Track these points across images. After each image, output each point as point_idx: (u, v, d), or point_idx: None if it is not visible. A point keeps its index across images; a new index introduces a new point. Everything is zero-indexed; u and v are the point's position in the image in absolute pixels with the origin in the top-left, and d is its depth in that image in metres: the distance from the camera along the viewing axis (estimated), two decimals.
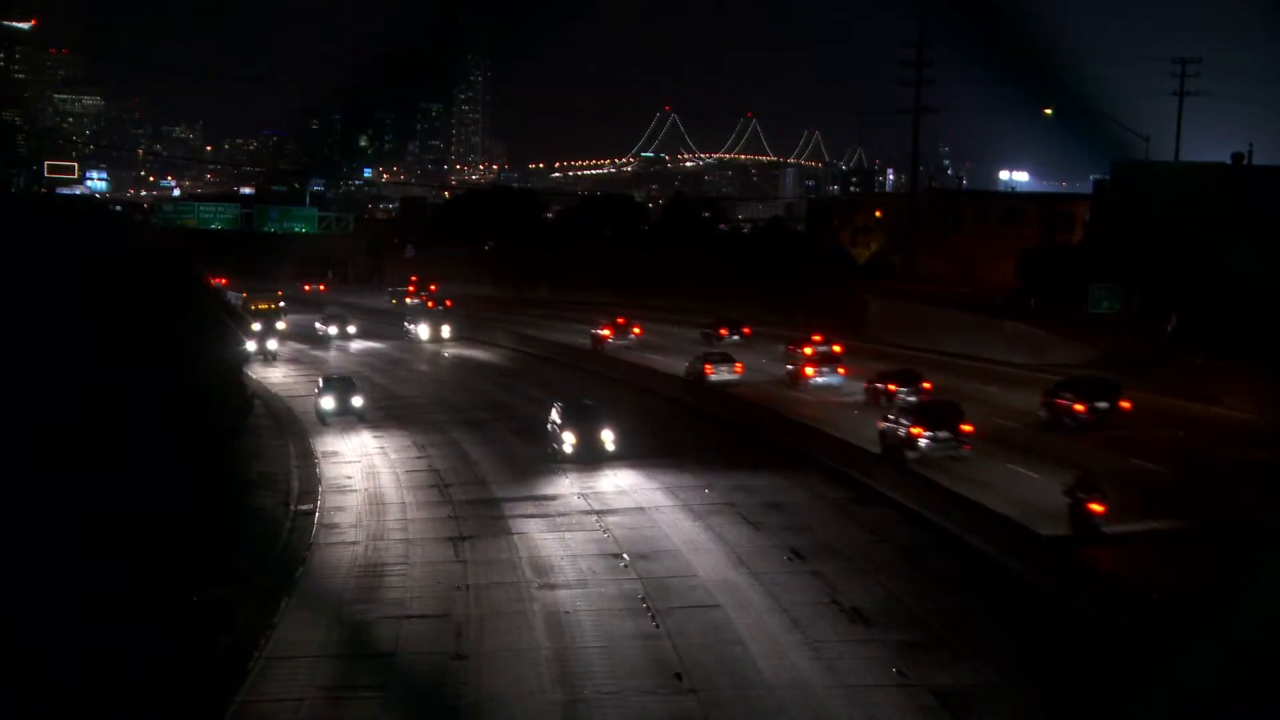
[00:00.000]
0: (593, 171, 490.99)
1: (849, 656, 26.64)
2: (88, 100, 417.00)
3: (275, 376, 77.70)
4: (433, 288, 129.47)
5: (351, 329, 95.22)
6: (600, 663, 27.33)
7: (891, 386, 56.29)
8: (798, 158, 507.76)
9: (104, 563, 28.06)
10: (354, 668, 27.50)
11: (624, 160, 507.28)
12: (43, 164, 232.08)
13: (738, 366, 65.82)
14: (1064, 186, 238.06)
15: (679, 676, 26.39)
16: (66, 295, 35.12)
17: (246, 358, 70.24)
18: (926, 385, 56.18)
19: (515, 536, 38.14)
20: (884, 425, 47.22)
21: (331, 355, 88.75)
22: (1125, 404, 51.48)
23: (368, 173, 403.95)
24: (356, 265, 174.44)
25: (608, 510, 40.95)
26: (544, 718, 24.73)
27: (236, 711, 25.25)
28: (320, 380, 64.39)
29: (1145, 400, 55.32)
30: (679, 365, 69.90)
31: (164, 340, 39.48)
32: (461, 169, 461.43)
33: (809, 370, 64.53)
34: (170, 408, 37.03)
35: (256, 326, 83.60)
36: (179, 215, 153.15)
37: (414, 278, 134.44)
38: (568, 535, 38.02)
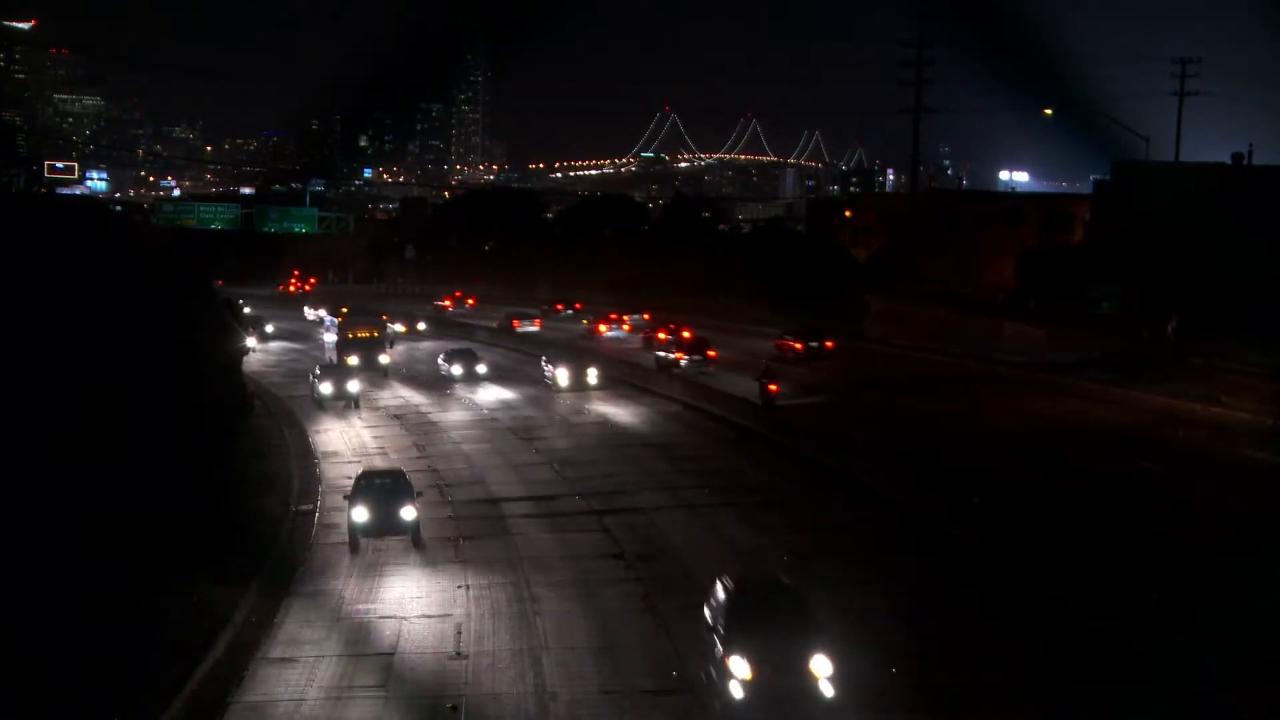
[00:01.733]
0: (593, 171, 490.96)
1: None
2: (88, 100, 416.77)
3: (349, 449, 53.23)
4: (578, 305, 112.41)
5: (482, 368, 72.24)
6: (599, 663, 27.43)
7: (660, 335, 79.40)
8: (798, 158, 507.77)
9: (104, 562, 28.07)
10: (354, 668, 27.50)
11: (624, 160, 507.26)
12: (43, 164, 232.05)
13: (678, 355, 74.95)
14: (1064, 186, 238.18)
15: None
16: (67, 295, 35.11)
17: (245, 352, 69.23)
18: (687, 333, 77.99)
19: (515, 536, 38.23)
20: (658, 354, 75.03)
21: (451, 419, 60.30)
22: (830, 344, 75.45)
23: (368, 173, 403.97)
24: (356, 265, 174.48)
25: None
26: (544, 718, 24.74)
27: (236, 711, 25.26)
28: (357, 478, 39.75)
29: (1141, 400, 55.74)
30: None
31: (164, 340, 39.48)
32: (461, 169, 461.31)
33: (602, 327, 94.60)
34: (171, 408, 37.03)
35: (353, 361, 71.29)
36: (179, 215, 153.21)
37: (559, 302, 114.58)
38: None
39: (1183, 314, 73.46)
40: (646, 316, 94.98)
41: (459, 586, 33.14)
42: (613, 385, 66.82)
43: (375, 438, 56.13)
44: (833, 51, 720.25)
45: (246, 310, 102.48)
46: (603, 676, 26.41)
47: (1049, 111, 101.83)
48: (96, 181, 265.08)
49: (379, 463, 48.48)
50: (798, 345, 74.71)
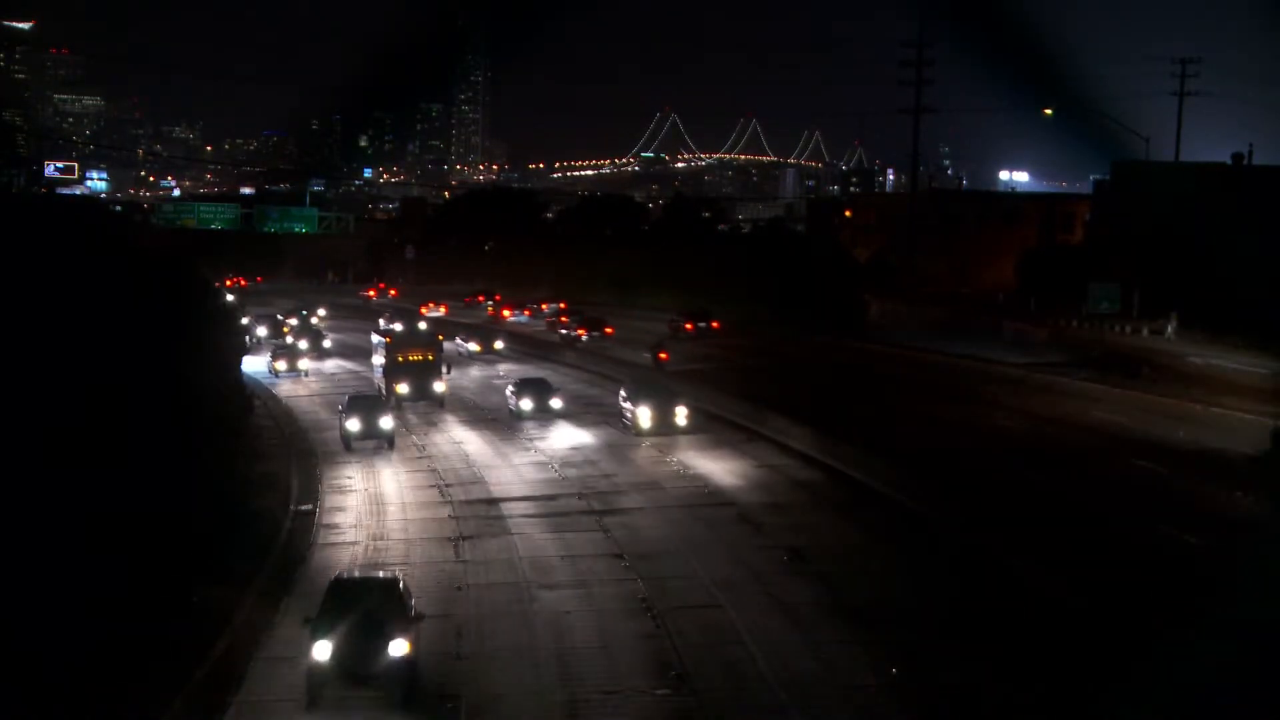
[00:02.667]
0: (593, 171, 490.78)
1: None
2: (88, 100, 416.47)
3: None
4: (497, 297, 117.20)
5: (557, 403, 58.23)
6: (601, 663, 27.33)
7: (564, 319, 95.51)
8: (798, 158, 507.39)
9: (104, 562, 28.05)
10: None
11: (624, 160, 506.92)
12: (43, 164, 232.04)
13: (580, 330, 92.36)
14: (1064, 186, 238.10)
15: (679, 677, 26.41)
16: (67, 295, 35.10)
17: (246, 350, 70.01)
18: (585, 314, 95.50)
19: (515, 536, 38.19)
20: (561, 331, 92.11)
21: (507, 481, 46.68)
22: (715, 324, 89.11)
23: (368, 173, 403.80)
24: (356, 265, 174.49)
25: None
26: (544, 718, 24.73)
27: (236, 711, 25.24)
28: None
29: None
30: None
31: (165, 340, 39.46)
32: (461, 169, 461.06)
33: (506, 313, 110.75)
34: (171, 408, 37.02)
35: (403, 389, 61.63)
36: (179, 215, 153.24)
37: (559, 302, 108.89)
38: None
39: (1183, 314, 73.50)
40: (562, 305, 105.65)
41: (457, 588, 33.15)
42: (709, 426, 54.00)
43: (400, 505, 43.62)
44: (833, 51, 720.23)
45: (294, 321, 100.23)
46: None
47: (1049, 111, 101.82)
48: (96, 181, 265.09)
49: (391, 549, 37.58)
50: (688, 325, 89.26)
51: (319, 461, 50.78)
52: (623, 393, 56.41)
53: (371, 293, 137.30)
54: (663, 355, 73.69)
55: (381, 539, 38.60)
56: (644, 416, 53.18)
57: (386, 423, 51.78)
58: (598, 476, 46.42)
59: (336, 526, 40.25)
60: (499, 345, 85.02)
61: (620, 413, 55.86)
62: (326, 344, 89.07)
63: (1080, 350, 70.46)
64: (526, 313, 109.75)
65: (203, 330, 47.51)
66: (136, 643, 26.36)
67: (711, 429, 54.22)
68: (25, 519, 27.21)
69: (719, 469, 46.94)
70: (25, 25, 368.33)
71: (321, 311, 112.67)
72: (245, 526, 37.70)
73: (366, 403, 53.40)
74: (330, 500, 43.98)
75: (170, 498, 32.27)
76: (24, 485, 27.96)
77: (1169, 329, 76.82)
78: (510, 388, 60.44)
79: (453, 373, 65.27)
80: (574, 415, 59.02)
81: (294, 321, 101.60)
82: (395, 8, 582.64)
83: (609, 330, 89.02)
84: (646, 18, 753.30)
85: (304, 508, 42.50)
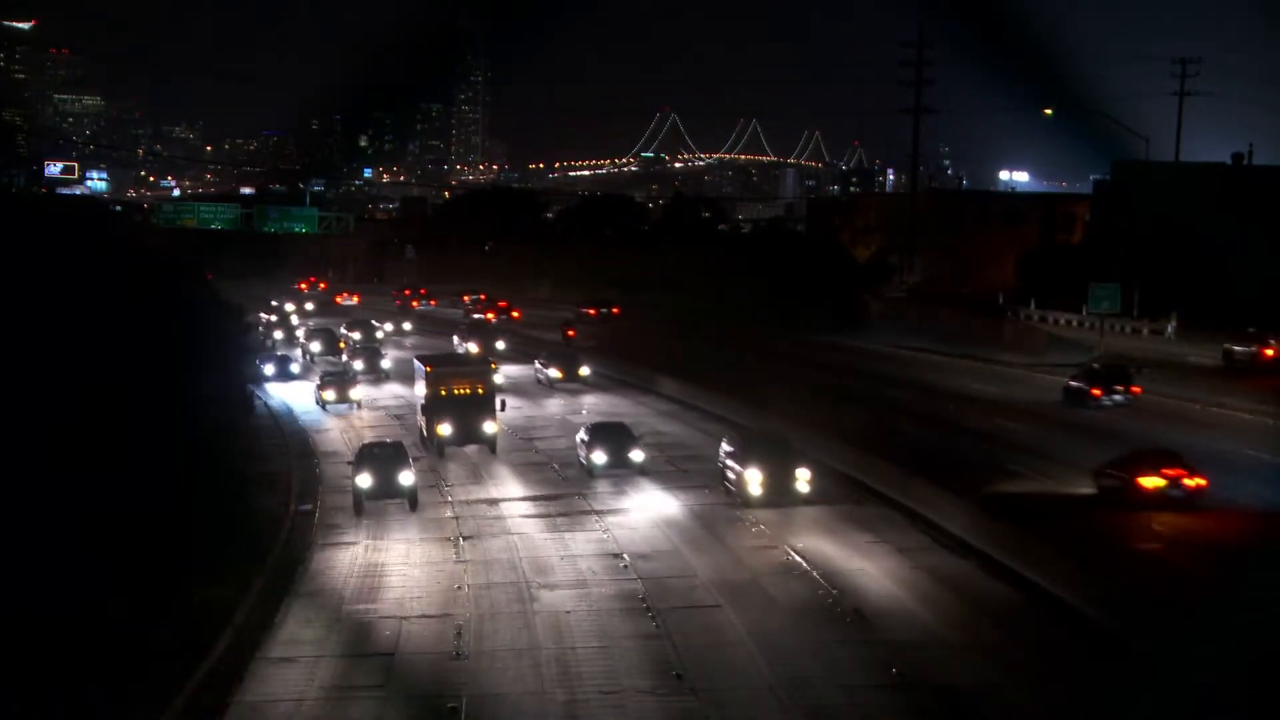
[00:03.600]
0: (593, 171, 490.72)
1: None
2: (88, 100, 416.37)
3: None
4: (421, 290, 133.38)
5: (638, 455, 46.01)
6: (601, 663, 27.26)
7: (465, 297, 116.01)
8: (798, 158, 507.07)
9: (104, 562, 28.06)
10: (354, 668, 27.47)
11: (624, 160, 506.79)
12: (43, 164, 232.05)
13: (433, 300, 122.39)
14: (1064, 186, 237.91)
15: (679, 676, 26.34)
16: (67, 296, 35.11)
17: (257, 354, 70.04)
18: (502, 306, 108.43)
19: (515, 537, 38.17)
20: (473, 316, 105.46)
21: (559, 604, 31.77)
22: (615, 310, 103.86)
23: (368, 173, 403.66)
24: (357, 265, 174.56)
25: None
26: (544, 718, 24.73)
27: (236, 711, 25.24)
28: None
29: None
30: None
31: (165, 340, 39.48)
32: (461, 169, 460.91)
33: (415, 303, 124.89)
34: (171, 408, 37.03)
35: (446, 431, 50.31)
36: (179, 215, 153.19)
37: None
38: None
39: (1182, 313, 73.50)
40: (482, 296, 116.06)
41: (457, 588, 33.12)
42: (840, 493, 41.38)
43: (399, 503, 42.06)
44: (833, 51, 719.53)
45: (357, 335, 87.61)
46: None
47: (1049, 111, 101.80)
48: (96, 182, 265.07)
49: (391, 549, 36.95)
50: (591, 311, 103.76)
51: (319, 462, 50.76)
52: (725, 444, 43.90)
53: (303, 285, 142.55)
54: (570, 333, 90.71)
55: (381, 539, 38.58)
56: (754, 481, 40.66)
57: (407, 477, 41.80)
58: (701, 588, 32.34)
59: (337, 527, 40.24)
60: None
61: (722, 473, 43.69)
62: (386, 364, 75.18)
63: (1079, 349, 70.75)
64: (433, 302, 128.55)
65: (202, 330, 47.51)
66: (136, 643, 26.36)
67: (604, 384, 68.63)
68: (25, 519, 27.22)
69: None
70: (25, 25, 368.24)
71: (406, 326, 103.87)
72: (245, 526, 37.70)
73: (382, 453, 43.31)
74: (330, 500, 43.96)
75: (170, 498, 32.28)
76: (24, 485, 27.97)
77: (1169, 328, 76.94)
78: (581, 435, 47.54)
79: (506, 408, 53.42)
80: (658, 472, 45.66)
81: (357, 336, 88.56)
82: (395, 8, 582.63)
83: (516, 314, 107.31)
84: (647, 18, 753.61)
85: (304, 508, 42.50)
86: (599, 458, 45.24)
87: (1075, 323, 79.79)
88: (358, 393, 64.52)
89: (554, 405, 63.63)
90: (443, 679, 26.68)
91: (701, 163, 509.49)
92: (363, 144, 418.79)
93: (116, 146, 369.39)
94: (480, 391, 50.82)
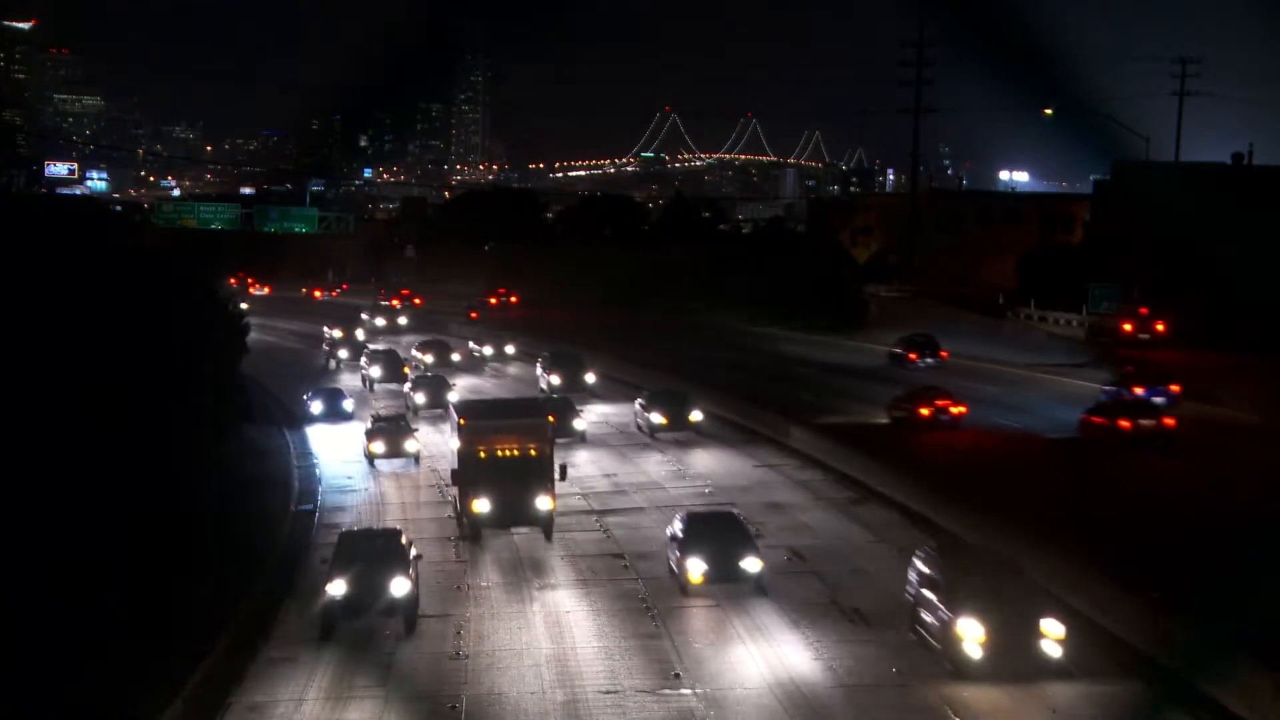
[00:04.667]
0: (593, 171, 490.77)
1: None
2: (88, 100, 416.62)
3: None
4: (345, 286, 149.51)
5: (753, 564, 32.05)
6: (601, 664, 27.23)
7: (382, 291, 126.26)
8: (798, 158, 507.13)
9: (103, 562, 28.05)
10: (354, 668, 27.48)
11: (624, 160, 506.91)
12: (43, 164, 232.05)
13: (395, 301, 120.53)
14: (1064, 186, 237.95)
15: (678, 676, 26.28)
16: (67, 296, 35.11)
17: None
18: (404, 294, 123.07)
19: (515, 538, 38.18)
20: (381, 303, 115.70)
21: None
22: (514, 299, 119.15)
23: (368, 173, 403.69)
24: (356, 265, 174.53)
25: None
26: (544, 718, 24.74)
27: (236, 711, 25.25)
28: None
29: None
30: None
31: (164, 341, 39.48)
32: (461, 169, 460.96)
33: (317, 293, 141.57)
34: (170, 408, 37.02)
35: (484, 510, 37.27)
36: (179, 215, 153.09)
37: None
38: None
39: (1182, 313, 73.46)
40: (404, 291, 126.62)
41: (456, 588, 33.12)
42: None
43: (400, 505, 42.96)
44: (833, 51, 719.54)
45: (429, 358, 75.54)
46: None
47: (1049, 111, 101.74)
48: (96, 182, 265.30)
49: None
50: (492, 299, 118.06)
51: (319, 462, 50.76)
52: (921, 558, 29.03)
53: (231, 281, 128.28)
54: (473, 314, 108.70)
55: (355, 473, 38.52)
56: (971, 639, 25.20)
57: (401, 585, 29.58)
58: None
59: (337, 527, 40.22)
60: (510, 350, 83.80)
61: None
62: (453, 397, 58.73)
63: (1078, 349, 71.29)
64: (334, 294, 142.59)
65: (202, 331, 47.49)
66: (136, 642, 26.35)
67: (723, 435, 54.42)
68: (25, 519, 27.22)
69: None
70: (25, 25, 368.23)
71: (489, 350, 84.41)
72: (245, 527, 37.70)
73: (365, 547, 31.09)
74: (330, 500, 43.97)
75: (170, 497, 32.27)
76: (24, 486, 27.97)
77: (1080, 317, 77.84)
78: (674, 527, 33.61)
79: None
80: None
81: (429, 359, 75.90)
82: (396, 7, 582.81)
83: (418, 301, 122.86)
84: (647, 18, 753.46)
85: (304, 508, 42.50)
86: (695, 568, 31.36)
87: (1075, 322, 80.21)
88: (417, 442, 49.69)
89: (652, 464, 48.60)
90: (443, 679, 26.70)
91: (701, 163, 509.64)
92: (363, 144, 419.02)
93: (116, 146, 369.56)
94: (533, 454, 37.94)
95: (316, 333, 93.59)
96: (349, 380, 71.45)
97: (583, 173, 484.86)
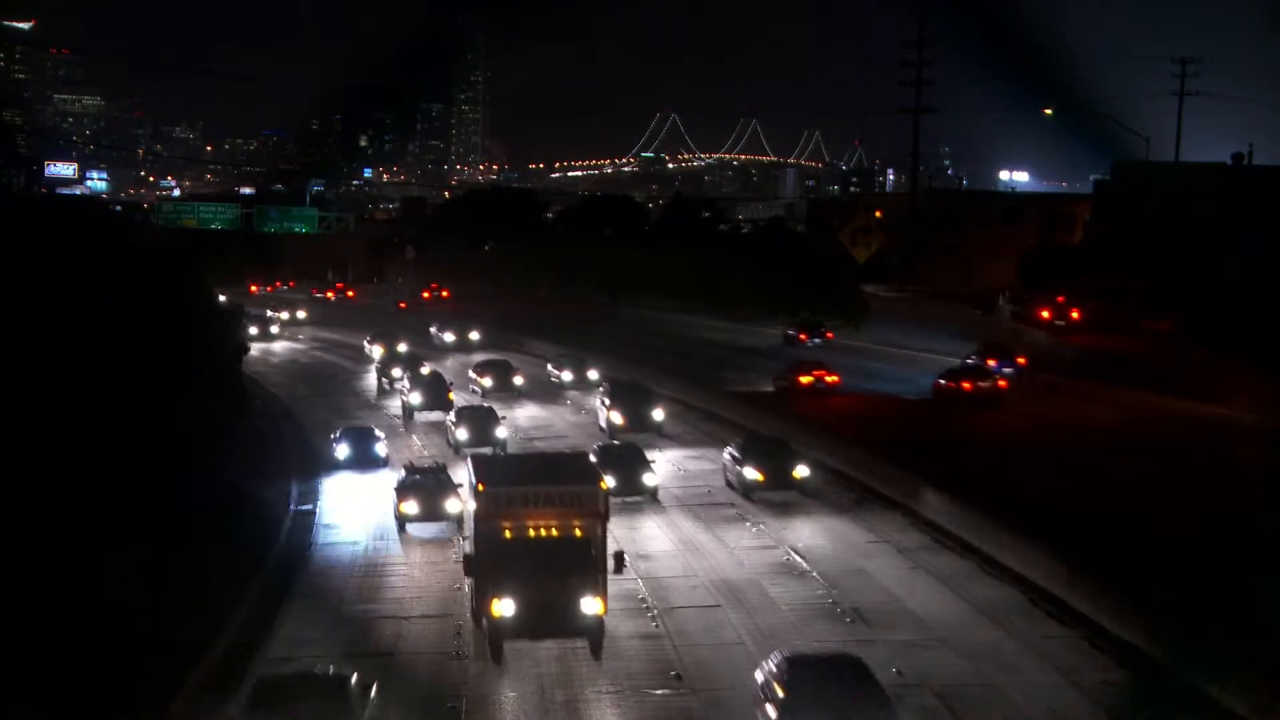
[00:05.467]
0: (593, 171, 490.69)
1: None
2: (88, 100, 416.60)
3: None
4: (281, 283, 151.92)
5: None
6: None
7: (321, 289, 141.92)
8: (798, 158, 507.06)
9: (103, 562, 28.04)
10: (354, 668, 27.46)
11: (624, 160, 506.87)
12: (43, 164, 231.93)
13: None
14: (1064, 186, 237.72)
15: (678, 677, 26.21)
16: (67, 295, 35.10)
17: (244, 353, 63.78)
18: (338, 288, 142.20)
19: None
20: (314, 294, 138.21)
21: None
22: (446, 294, 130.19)
23: (368, 173, 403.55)
24: (356, 265, 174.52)
25: None
26: (544, 718, 24.72)
27: (237, 711, 25.19)
28: None
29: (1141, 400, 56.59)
30: None
31: (163, 340, 39.46)
32: (461, 169, 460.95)
33: (253, 288, 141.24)
34: (168, 407, 37.00)
35: (506, 612, 27.23)
36: (179, 215, 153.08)
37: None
38: None
39: (1182, 314, 73.44)
40: (339, 286, 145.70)
41: (456, 587, 33.09)
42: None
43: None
44: (833, 51, 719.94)
45: (487, 381, 65.03)
46: None
47: (1049, 111, 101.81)
48: (96, 182, 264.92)
49: (390, 549, 37.20)
50: (425, 294, 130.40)
51: (319, 461, 50.73)
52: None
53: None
54: (402, 305, 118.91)
55: (381, 539, 38.58)
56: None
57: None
58: None
59: (337, 526, 40.23)
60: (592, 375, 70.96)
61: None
62: (502, 432, 50.42)
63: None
64: (270, 289, 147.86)
65: (201, 330, 47.47)
66: (136, 642, 26.34)
67: (834, 498, 44.88)
68: (26, 519, 27.21)
69: None
70: (25, 25, 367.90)
71: (449, 337, 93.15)
72: (244, 526, 37.69)
73: (293, 692, 23.38)
74: (330, 500, 43.95)
75: (169, 497, 32.26)
76: (23, 486, 27.96)
77: (1169, 328, 77.12)
78: (766, 671, 23.93)
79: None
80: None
81: (488, 383, 64.91)
82: (396, 7, 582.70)
83: (351, 294, 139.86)
84: (646, 18, 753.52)
85: (304, 508, 42.48)
86: None
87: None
88: (460, 501, 37.18)
89: (741, 541, 37.67)
90: (443, 679, 26.68)
91: (701, 163, 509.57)
92: (363, 144, 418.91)
93: (116, 146, 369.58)
94: (578, 533, 28.35)
95: (353, 342, 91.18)
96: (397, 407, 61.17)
97: (583, 173, 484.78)
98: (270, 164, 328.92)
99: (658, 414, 53.94)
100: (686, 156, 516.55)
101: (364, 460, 48.08)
